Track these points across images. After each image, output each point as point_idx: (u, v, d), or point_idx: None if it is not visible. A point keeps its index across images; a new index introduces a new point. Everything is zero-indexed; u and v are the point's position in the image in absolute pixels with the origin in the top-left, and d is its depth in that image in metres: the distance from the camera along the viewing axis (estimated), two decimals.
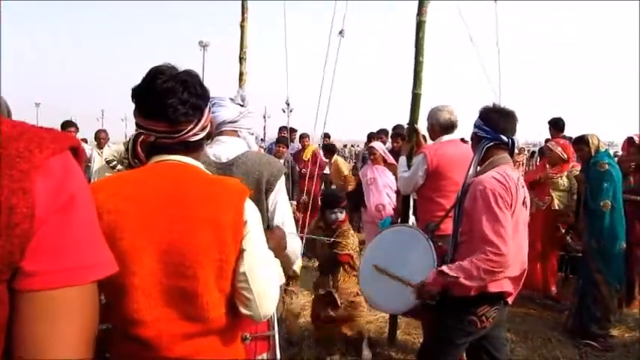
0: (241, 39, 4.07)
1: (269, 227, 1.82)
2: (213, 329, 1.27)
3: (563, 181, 5.10)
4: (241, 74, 4.05)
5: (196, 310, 1.23)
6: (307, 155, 8.05)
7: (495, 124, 2.43)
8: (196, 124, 1.33)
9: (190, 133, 1.32)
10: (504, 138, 2.41)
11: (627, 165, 4.75)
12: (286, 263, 1.84)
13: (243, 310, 1.30)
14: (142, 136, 1.29)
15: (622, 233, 4.03)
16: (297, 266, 2.11)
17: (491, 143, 2.43)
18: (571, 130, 6.22)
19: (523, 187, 2.40)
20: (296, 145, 9.75)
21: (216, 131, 1.86)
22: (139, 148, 1.29)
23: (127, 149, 1.33)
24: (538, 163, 7.34)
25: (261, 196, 1.82)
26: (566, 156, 5.03)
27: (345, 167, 7.17)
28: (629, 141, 5.17)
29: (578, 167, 5.02)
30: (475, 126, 2.52)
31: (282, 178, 1.92)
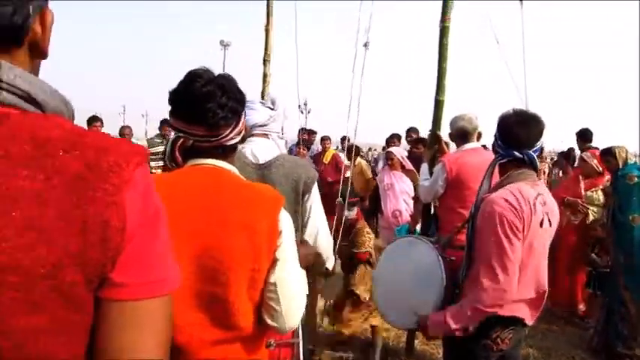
0: (266, 42, 4.08)
1: (304, 226, 1.90)
2: (241, 336, 1.27)
3: (599, 196, 4.93)
4: (265, 76, 4.07)
5: (227, 316, 1.23)
6: (327, 158, 8.06)
7: (510, 138, 2.17)
8: (234, 128, 1.33)
9: (228, 137, 1.32)
10: (518, 155, 2.14)
11: None
12: (320, 261, 1.93)
13: (269, 321, 1.29)
14: (181, 140, 1.29)
15: None
16: (330, 264, 2.18)
17: (505, 160, 2.20)
18: (600, 139, 6.04)
19: (544, 204, 2.13)
20: (316, 147, 9.77)
21: (248, 133, 1.88)
22: (177, 151, 1.29)
23: (164, 151, 1.33)
24: (567, 173, 7.10)
25: (298, 198, 1.87)
26: (601, 169, 4.87)
27: (369, 171, 7.14)
28: None
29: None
30: (493, 136, 2.32)
31: (316, 183, 1.96)
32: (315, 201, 1.94)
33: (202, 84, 1.28)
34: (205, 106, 1.26)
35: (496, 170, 2.33)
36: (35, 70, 0.73)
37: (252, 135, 1.93)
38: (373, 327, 3.70)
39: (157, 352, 0.68)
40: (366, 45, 3.62)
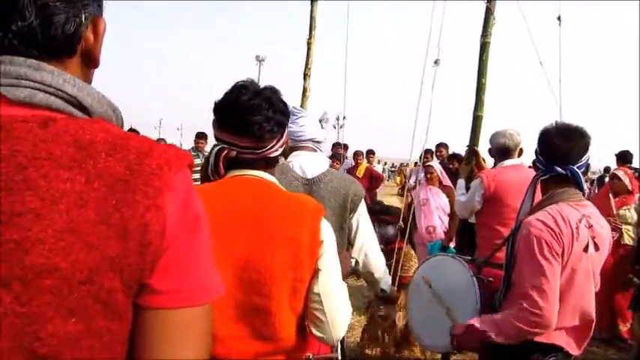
0: (307, 56, 4.15)
1: (350, 242, 1.88)
2: (282, 349, 1.27)
3: (632, 214, 4.81)
4: (305, 90, 4.12)
5: (268, 328, 1.23)
6: (361, 172, 8.10)
7: (551, 152, 2.03)
8: (278, 141, 1.34)
9: (272, 150, 1.33)
10: (560, 170, 2.00)
11: None
12: (372, 281, 1.92)
13: (315, 332, 1.29)
14: (226, 151, 1.31)
15: None
16: (385, 285, 2.12)
17: (547, 176, 2.07)
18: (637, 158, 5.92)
19: (590, 227, 1.97)
20: (349, 162, 9.86)
21: (297, 145, 1.89)
22: (221, 162, 1.31)
23: (206, 162, 1.35)
24: (597, 192, 6.93)
25: (345, 214, 1.86)
26: (631, 187, 4.81)
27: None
28: None
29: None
30: (534, 152, 2.18)
31: (363, 199, 1.95)
32: (362, 217, 1.92)
33: (250, 96, 1.29)
34: (252, 119, 1.28)
35: (538, 188, 2.21)
36: (88, 79, 0.73)
37: (300, 148, 1.92)
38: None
39: None
40: (436, 62, 3.58)
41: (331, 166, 7.71)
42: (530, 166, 3.39)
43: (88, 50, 0.71)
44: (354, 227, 1.90)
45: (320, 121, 2.00)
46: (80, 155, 0.61)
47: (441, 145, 7.19)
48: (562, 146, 2.00)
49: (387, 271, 2.07)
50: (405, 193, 6.61)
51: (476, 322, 2.00)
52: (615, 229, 4.74)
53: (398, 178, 20.16)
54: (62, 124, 0.63)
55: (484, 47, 3.49)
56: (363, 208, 1.93)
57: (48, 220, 0.58)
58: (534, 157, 2.16)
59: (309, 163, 1.90)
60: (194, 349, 0.66)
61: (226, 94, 1.34)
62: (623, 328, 4.81)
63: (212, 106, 1.37)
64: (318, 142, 1.96)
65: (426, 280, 2.52)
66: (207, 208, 1.21)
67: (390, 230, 3.70)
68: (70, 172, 0.60)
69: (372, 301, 3.74)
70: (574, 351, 2.10)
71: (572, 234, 1.92)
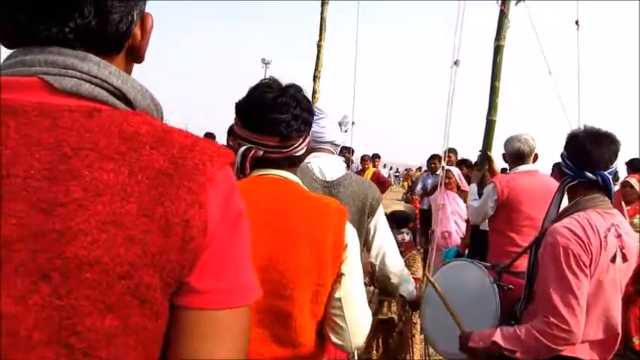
0: (317, 58, 4.17)
1: (368, 247, 1.87)
2: (301, 355, 1.24)
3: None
4: (314, 92, 4.14)
5: (288, 333, 1.20)
6: (368, 177, 8.11)
7: (581, 157, 1.97)
8: (305, 139, 1.33)
9: (298, 148, 1.31)
10: (591, 176, 1.94)
11: None
12: (391, 287, 1.91)
13: (334, 339, 1.25)
14: (252, 151, 1.28)
15: None
16: (405, 291, 2.08)
17: (575, 182, 2.00)
18: None
19: (619, 236, 1.91)
20: (356, 165, 9.90)
21: (315, 147, 1.86)
22: (247, 162, 1.28)
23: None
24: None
25: (363, 218, 1.84)
26: None
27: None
28: None
29: None
30: (561, 157, 2.11)
31: (381, 204, 1.95)
32: (380, 222, 1.92)
33: (275, 95, 1.27)
34: (280, 117, 1.25)
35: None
36: (129, 72, 0.73)
37: (319, 150, 1.90)
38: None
39: None
40: (456, 63, 3.54)
41: None
42: (551, 172, 3.34)
43: (135, 46, 0.72)
44: (372, 231, 1.89)
45: (340, 124, 1.98)
46: (124, 147, 0.60)
47: (450, 151, 7.16)
48: (594, 151, 1.94)
49: (410, 276, 2.04)
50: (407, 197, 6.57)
51: (499, 339, 1.92)
52: None
53: (405, 183, 20.16)
54: (107, 115, 0.62)
55: (498, 50, 3.48)
56: (381, 212, 1.93)
57: (91, 211, 0.56)
58: (560, 162, 2.09)
59: (329, 166, 1.87)
60: (231, 351, 0.64)
61: (250, 92, 1.32)
62: (637, 340, 4.72)
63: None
64: (336, 145, 1.95)
65: (432, 282, 2.44)
66: None
67: (405, 236, 3.68)
68: (115, 163, 0.59)
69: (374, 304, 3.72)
70: None
71: (601, 244, 1.86)
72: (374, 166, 9.20)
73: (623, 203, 4.85)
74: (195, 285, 0.62)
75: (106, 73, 0.64)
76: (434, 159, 7.86)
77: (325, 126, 1.88)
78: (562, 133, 2.16)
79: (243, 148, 1.28)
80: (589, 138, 1.99)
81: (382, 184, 8.52)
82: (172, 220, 0.59)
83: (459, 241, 4.76)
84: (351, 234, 1.28)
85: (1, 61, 0.66)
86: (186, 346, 0.62)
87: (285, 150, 1.28)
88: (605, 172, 1.95)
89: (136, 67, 0.76)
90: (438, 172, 7.64)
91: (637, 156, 6.06)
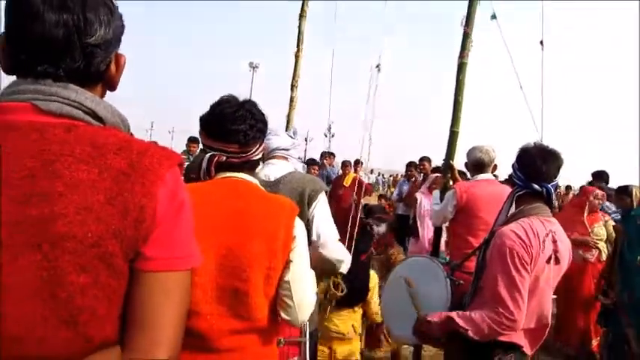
0: (295, 68, 4.34)
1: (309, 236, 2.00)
2: (256, 328, 1.45)
3: (603, 230, 5.03)
4: (292, 100, 4.32)
5: (245, 308, 1.41)
6: (348, 182, 8.24)
7: (530, 170, 2.21)
8: (260, 145, 1.58)
9: (255, 153, 1.56)
10: (537, 187, 2.19)
11: None
12: (329, 267, 2.07)
13: (284, 315, 1.47)
14: (216, 157, 1.52)
15: None
16: (344, 268, 2.24)
17: (523, 191, 2.25)
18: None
19: (554, 242, 2.17)
20: (336, 169, 9.95)
21: (269, 155, 2.14)
22: (212, 167, 1.52)
23: (199, 166, 1.54)
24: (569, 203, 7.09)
25: (304, 208, 2.02)
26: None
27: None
28: None
29: (608, 217, 5.00)
30: (512, 167, 2.34)
31: (323, 194, 2.12)
32: (319, 209, 2.07)
33: (235, 109, 1.52)
34: (238, 128, 1.50)
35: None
36: (103, 97, 0.95)
37: (274, 157, 2.18)
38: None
39: (179, 317, 0.85)
40: (378, 67, 3.83)
41: (308, 171, 7.94)
42: (503, 181, 3.58)
43: (110, 79, 0.94)
44: (311, 217, 2.06)
45: (288, 135, 2.27)
46: (95, 153, 0.81)
47: (424, 159, 7.34)
48: (542, 166, 2.18)
49: (348, 257, 2.18)
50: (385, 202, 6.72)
51: (456, 317, 2.15)
52: (594, 247, 4.93)
53: (392, 189, 20.26)
54: (82, 130, 0.84)
55: (461, 67, 3.68)
56: (321, 201, 2.09)
57: (69, 200, 0.77)
58: (512, 172, 2.31)
59: (275, 170, 2.14)
60: (176, 303, 0.85)
61: (212, 107, 1.56)
62: (595, 342, 4.95)
63: (202, 112, 1.58)
64: (285, 149, 2.20)
65: (406, 280, 2.68)
66: (198, 204, 1.44)
67: (383, 228, 3.85)
68: (87, 165, 0.80)
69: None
70: (528, 351, 2.28)
71: (540, 246, 2.11)
72: (355, 171, 9.34)
73: (585, 213, 5.04)
74: (147, 254, 0.83)
75: (82, 98, 0.85)
76: (410, 167, 8.10)
77: (270, 138, 2.14)
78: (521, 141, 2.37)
79: (208, 155, 1.52)
80: (539, 154, 2.23)
81: (365, 189, 8.69)
82: (129, 207, 0.80)
83: (444, 246, 4.79)
84: (299, 227, 1.50)
85: (1, 88, 0.87)
86: (143, 298, 0.83)
87: (244, 155, 1.53)
88: (549, 185, 2.21)
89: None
90: (413, 179, 7.88)
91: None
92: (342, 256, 2.15)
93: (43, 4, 0.81)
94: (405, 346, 3.90)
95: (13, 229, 0.74)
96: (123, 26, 0.92)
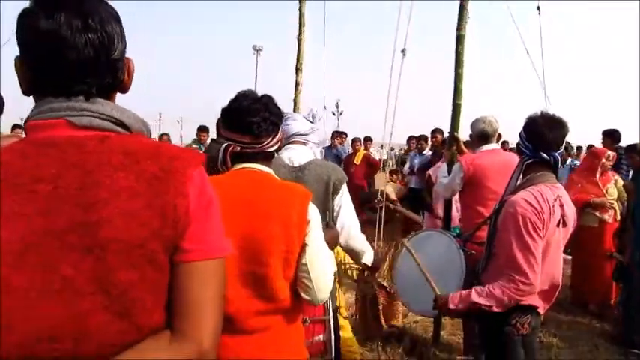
0: (298, 51, 4.37)
1: (333, 223, 2.11)
2: (280, 309, 1.55)
3: (614, 190, 5.07)
4: (297, 84, 4.36)
5: (267, 291, 1.51)
6: (358, 160, 8.29)
7: (537, 140, 2.29)
8: (273, 138, 1.65)
9: (268, 145, 1.64)
10: (545, 156, 2.27)
11: None
12: (355, 256, 2.16)
13: (304, 295, 1.57)
14: (231, 147, 1.61)
15: None
16: (367, 259, 2.34)
17: (531, 160, 2.33)
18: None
19: (562, 206, 2.26)
20: (347, 148, 9.98)
21: (287, 141, 2.20)
22: (228, 157, 1.61)
23: (215, 157, 1.62)
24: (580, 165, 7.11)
25: (328, 197, 2.12)
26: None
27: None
28: None
29: (617, 176, 5.02)
30: (519, 137, 2.41)
31: (345, 184, 2.20)
32: (344, 200, 2.17)
33: (250, 102, 1.61)
34: (252, 120, 1.59)
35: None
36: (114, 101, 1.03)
37: (292, 142, 2.24)
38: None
39: (216, 298, 0.93)
40: (403, 52, 3.83)
41: (332, 141, 7.86)
42: (510, 149, 3.61)
43: (124, 84, 1.02)
44: (337, 208, 2.15)
45: (306, 118, 2.29)
46: (128, 161, 0.90)
47: (436, 131, 7.33)
48: (549, 135, 2.26)
49: (370, 248, 2.30)
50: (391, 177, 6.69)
51: (476, 299, 2.24)
52: (611, 207, 4.96)
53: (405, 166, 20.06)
54: (113, 140, 0.92)
55: (459, 40, 3.68)
56: (344, 191, 2.18)
57: (113, 207, 0.85)
58: (520, 142, 2.39)
59: (297, 154, 2.20)
60: (214, 288, 0.94)
61: (231, 101, 1.65)
62: (614, 300, 5.02)
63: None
64: (303, 134, 2.25)
65: (409, 248, 2.79)
66: (220, 196, 1.50)
67: (378, 216, 3.94)
68: (124, 172, 0.88)
69: (360, 283, 4.02)
70: (542, 310, 2.40)
71: (550, 211, 2.21)
72: (365, 148, 9.39)
73: (598, 175, 5.05)
74: (185, 247, 0.92)
75: (109, 110, 0.93)
76: (421, 140, 8.12)
77: (289, 123, 2.21)
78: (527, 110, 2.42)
79: (224, 145, 1.61)
80: (545, 123, 2.31)
81: (371, 166, 8.71)
82: (166, 208, 0.88)
83: (458, 221, 4.85)
84: (313, 211, 1.59)
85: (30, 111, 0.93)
86: (184, 286, 0.92)
87: (257, 146, 1.61)
88: (556, 154, 2.29)
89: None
90: (424, 152, 7.91)
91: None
92: (366, 247, 2.25)
93: (68, 29, 0.87)
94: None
95: (71, 235, 0.82)
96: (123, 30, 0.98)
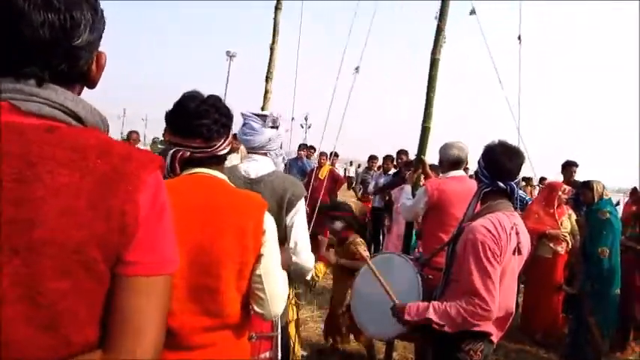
0: (270, 60, 4.33)
1: (282, 244, 1.99)
2: (228, 324, 1.46)
3: (568, 223, 5.19)
4: (267, 92, 4.31)
5: (216, 305, 1.42)
6: (323, 174, 8.26)
7: (495, 169, 2.34)
8: (225, 140, 1.57)
9: (220, 148, 1.55)
10: (502, 185, 2.32)
11: (628, 214, 4.89)
12: (299, 274, 2.06)
13: (257, 309, 1.49)
14: (180, 153, 1.51)
15: (617, 280, 4.17)
16: (309, 276, 2.30)
17: (489, 188, 2.36)
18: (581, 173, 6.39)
19: (517, 234, 2.30)
20: (313, 162, 9.94)
21: (250, 150, 2.12)
22: (176, 163, 1.50)
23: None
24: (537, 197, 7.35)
25: (281, 213, 2.02)
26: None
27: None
28: (633, 191, 5.31)
29: (571, 211, 5.17)
30: (478, 165, 2.45)
31: (303, 200, 2.11)
32: (298, 217, 2.07)
33: (198, 104, 1.51)
34: (202, 122, 1.50)
35: None
36: (80, 94, 0.93)
37: (254, 153, 2.13)
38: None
39: (160, 319, 0.85)
40: (357, 69, 3.85)
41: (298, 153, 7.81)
42: (470, 176, 3.64)
43: (91, 77, 0.92)
44: (289, 224, 2.06)
45: (264, 122, 2.16)
46: (76, 156, 0.80)
47: (402, 152, 7.39)
48: (507, 164, 2.32)
49: (312, 266, 2.21)
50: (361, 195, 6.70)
51: (432, 316, 2.24)
52: (564, 239, 5.06)
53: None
54: (63, 131, 0.82)
55: (434, 64, 3.69)
56: (300, 207, 2.09)
57: (51, 205, 0.75)
58: (478, 170, 2.42)
59: (255, 166, 2.11)
60: (159, 306, 0.86)
61: (176, 103, 1.55)
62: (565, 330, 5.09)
63: (177, 100, 1.55)
64: (263, 146, 2.13)
65: (372, 267, 2.72)
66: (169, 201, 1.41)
67: (338, 224, 3.87)
68: (69, 169, 0.78)
69: (333, 297, 3.99)
70: (496, 338, 2.41)
71: (507, 239, 2.23)
72: (332, 164, 9.35)
73: (555, 207, 5.14)
74: (129, 259, 0.82)
75: (62, 99, 0.83)
76: (387, 160, 8.18)
77: (249, 138, 2.10)
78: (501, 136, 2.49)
79: (172, 151, 1.51)
80: (503, 152, 2.36)
81: (336, 181, 8.70)
82: (112, 212, 0.79)
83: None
84: (269, 222, 1.51)
85: None
86: (125, 302, 0.82)
87: (208, 150, 1.52)
88: (513, 183, 2.35)
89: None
90: (389, 172, 7.96)
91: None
92: (311, 265, 2.18)
93: (25, 2, 0.78)
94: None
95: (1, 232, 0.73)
96: (104, 24, 0.91)
